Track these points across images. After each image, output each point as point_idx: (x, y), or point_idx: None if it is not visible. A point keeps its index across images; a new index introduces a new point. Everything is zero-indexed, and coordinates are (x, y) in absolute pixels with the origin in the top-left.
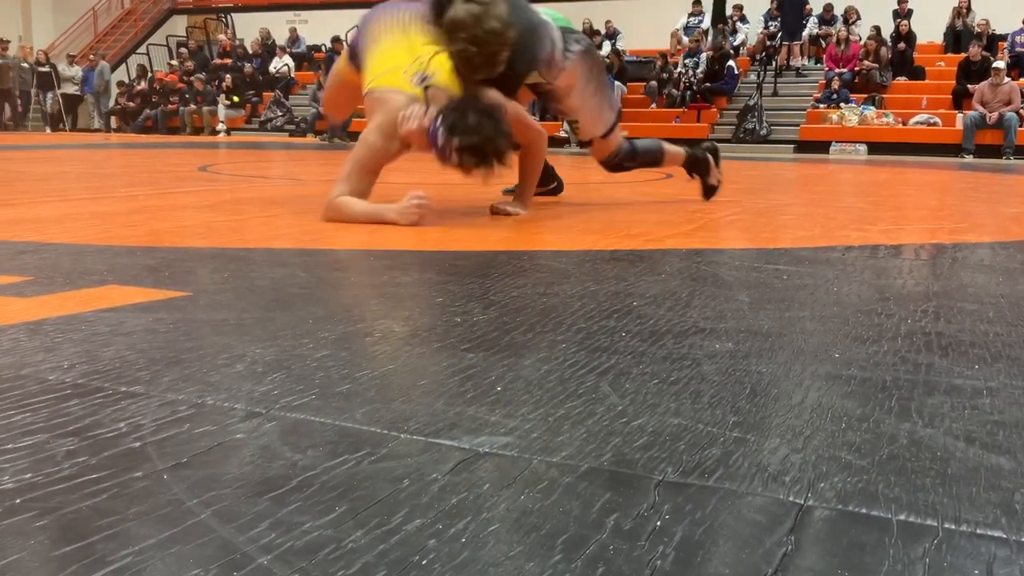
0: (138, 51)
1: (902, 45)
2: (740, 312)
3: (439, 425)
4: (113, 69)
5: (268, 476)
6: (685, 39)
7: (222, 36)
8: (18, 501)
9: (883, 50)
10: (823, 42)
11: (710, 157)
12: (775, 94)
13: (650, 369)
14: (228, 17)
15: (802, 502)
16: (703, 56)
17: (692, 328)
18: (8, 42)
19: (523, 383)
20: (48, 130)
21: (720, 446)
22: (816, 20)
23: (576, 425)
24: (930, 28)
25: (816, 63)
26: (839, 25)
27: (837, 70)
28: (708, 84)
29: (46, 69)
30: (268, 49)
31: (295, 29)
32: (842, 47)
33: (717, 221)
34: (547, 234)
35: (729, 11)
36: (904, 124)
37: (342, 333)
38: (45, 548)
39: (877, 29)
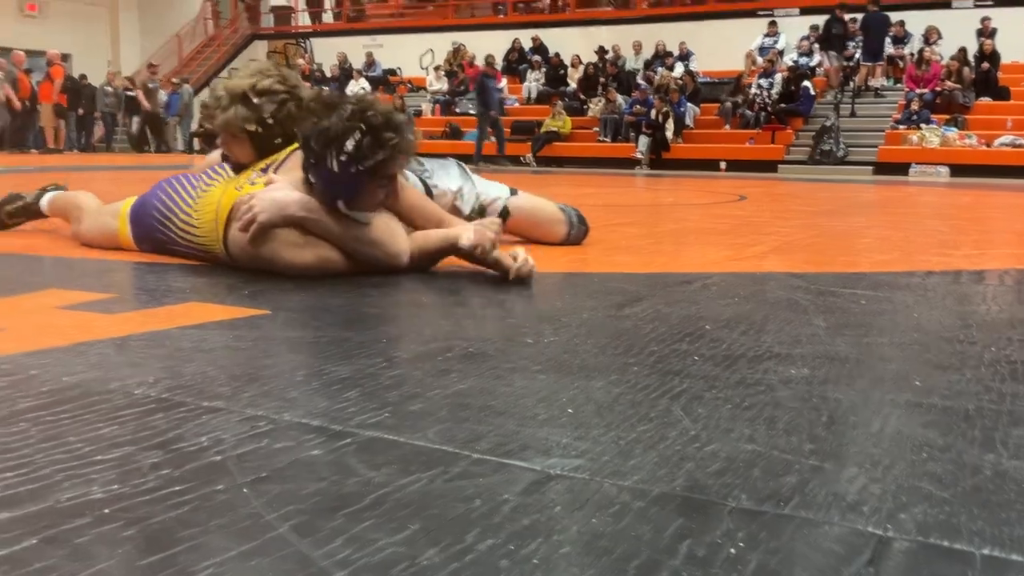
0: (220, 75)
1: (986, 65)
2: (816, 337)
3: (510, 446)
4: (196, 93)
5: (343, 492)
6: (760, 59)
7: (301, 60)
8: (107, 511)
9: (966, 70)
10: (900, 62)
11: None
12: (853, 115)
13: (723, 394)
14: (307, 42)
15: (881, 533)
16: (778, 76)
17: (766, 353)
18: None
19: (594, 405)
20: (134, 151)
21: (796, 474)
22: (889, 40)
23: (648, 449)
24: (1015, 47)
25: (895, 83)
26: (915, 44)
27: (918, 91)
28: (783, 105)
29: (132, 93)
30: (345, 73)
31: (371, 53)
32: (923, 67)
33: (792, 244)
34: (617, 256)
35: (806, 31)
36: (988, 146)
37: (414, 352)
38: (131, 557)
39: (963, 51)
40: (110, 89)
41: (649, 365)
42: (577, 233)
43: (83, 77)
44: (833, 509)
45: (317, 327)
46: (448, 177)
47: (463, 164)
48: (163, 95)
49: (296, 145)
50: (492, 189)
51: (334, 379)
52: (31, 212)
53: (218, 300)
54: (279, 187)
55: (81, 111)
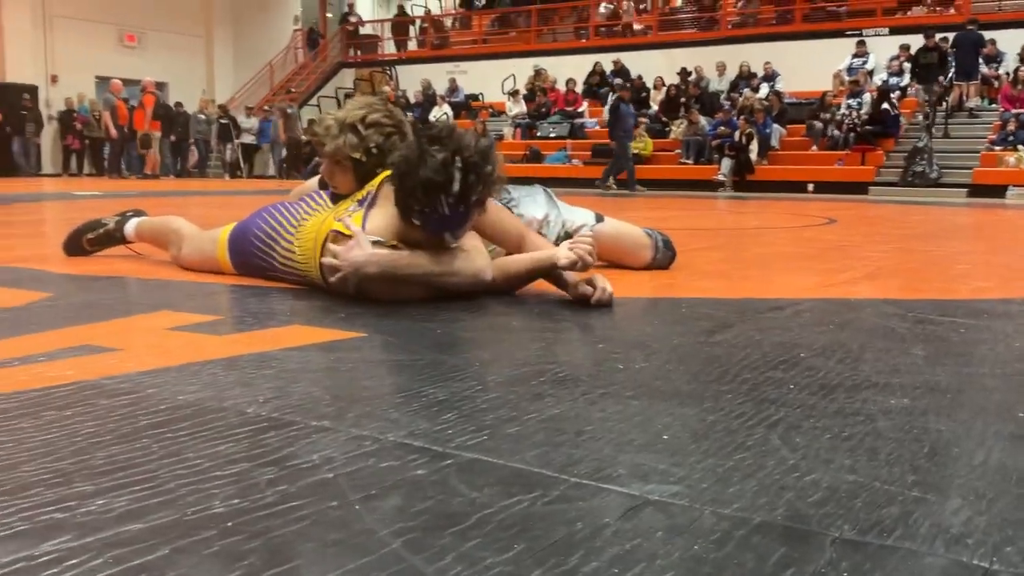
0: (310, 103)
1: None
2: (915, 366)
3: (608, 471)
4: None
5: (449, 511)
6: (846, 79)
7: (386, 87)
8: (229, 524)
9: None
10: (995, 82)
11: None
12: (946, 135)
13: (822, 423)
14: (393, 69)
15: (987, 566)
16: (866, 96)
17: (865, 382)
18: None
19: (689, 432)
20: (227, 177)
21: (899, 505)
22: (981, 59)
23: (746, 477)
24: None
25: (990, 104)
26: (1009, 63)
27: (1014, 111)
28: (869, 127)
29: (226, 121)
30: (429, 99)
31: (454, 79)
32: (1019, 87)
33: (885, 269)
34: (704, 281)
35: (895, 51)
36: None
37: (507, 376)
38: (255, 570)
39: None
40: (203, 117)
41: (743, 393)
42: (662, 258)
43: (178, 105)
44: (938, 541)
45: (413, 350)
46: (534, 205)
47: (549, 190)
48: (255, 122)
49: (385, 174)
50: (578, 216)
51: (432, 401)
52: (114, 239)
53: (317, 323)
54: (358, 245)
55: (174, 137)
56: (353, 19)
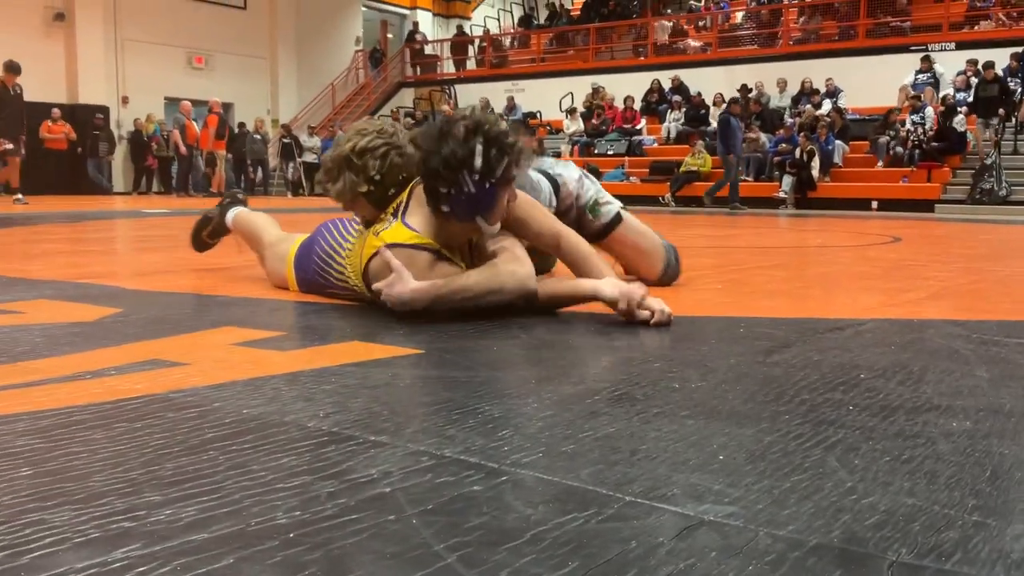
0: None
1: None
2: (979, 389)
3: (662, 490)
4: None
5: (504, 527)
6: (909, 92)
7: (445, 106)
8: (291, 535)
9: None
10: None
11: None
12: (1015, 152)
13: (881, 446)
14: (451, 88)
15: None
16: (930, 112)
17: (926, 404)
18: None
19: (745, 453)
20: (289, 195)
21: (958, 529)
22: None
23: (803, 499)
24: None
25: None
26: None
27: None
28: (935, 144)
29: (288, 140)
30: None
31: (512, 97)
32: None
33: (951, 289)
34: (763, 300)
35: (962, 66)
36: None
37: (562, 394)
38: None
39: None
40: (257, 136)
41: (801, 414)
42: (672, 272)
43: (241, 125)
44: (998, 566)
45: (469, 367)
46: (568, 169)
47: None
48: (317, 141)
49: (414, 183)
50: (606, 194)
51: (488, 418)
52: (222, 229)
53: (376, 339)
54: (400, 280)
55: (231, 156)
56: (419, 37)
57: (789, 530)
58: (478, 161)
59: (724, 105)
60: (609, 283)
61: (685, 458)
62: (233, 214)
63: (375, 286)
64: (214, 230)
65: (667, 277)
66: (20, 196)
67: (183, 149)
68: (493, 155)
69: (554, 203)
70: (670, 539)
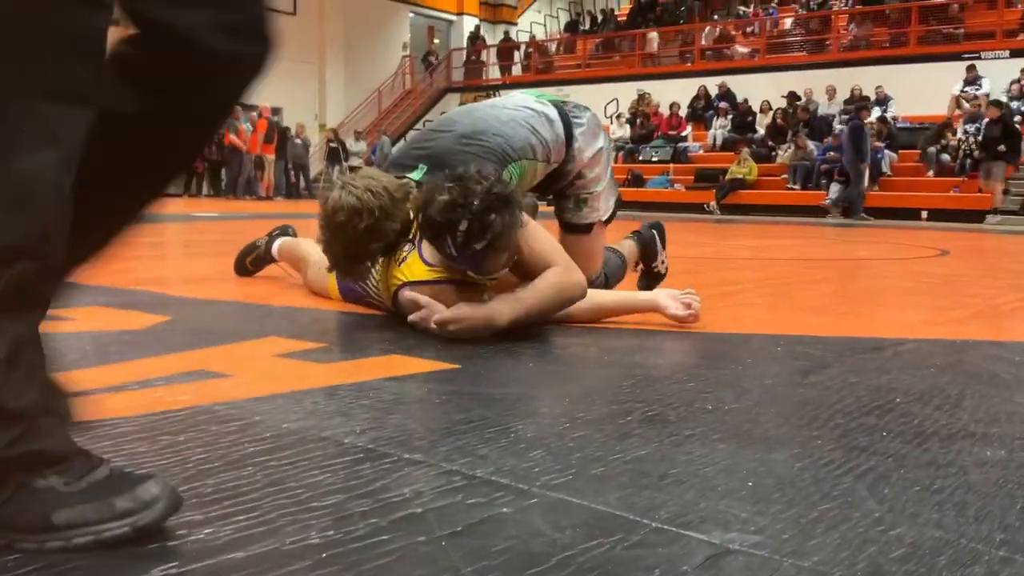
0: (416, 127)
1: None
2: (1016, 416)
3: (689, 517)
4: (393, 143)
5: (531, 552)
6: (965, 104)
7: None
8: (323, 555)
9: None
10: None
11: (656, 236)
12: None
13: (912, 475)
14: (496, 94)
15: None
16: (984, 122)
17: (961, 431)
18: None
19: (775, 480)
20: None
21: (984, 565)
22: None
23: (830, 529)
24: None
25: None
26: None
27: None
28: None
29: (335, 145)
30: None
31: None
32: None
33: (997, 308)
34: (804, 317)
35: (1016, 74)
36: None
37: (595, 414)
38: None
39: None
40: (299, 141)
41: (834, 439)
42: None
43: (285, 129)
44: None
45: (503, 383)
46: (591, 140)
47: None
48: (363, 145)
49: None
50: (605, 200)
51: (520, 437)
52: (267, 259)
53: (413, 353)
54: (433, 311)
55: (281, 160)
56: (479, 43)
57: (814, 561)
58: (458, 233)
59: (852, 111)
60: (664, 295)
61: (714, 484)
62: (279, 244)
63: (411, 319)
64: (258, 258)
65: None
66: None
67: (243, 148)
68: (475, 229)
69: (561, 152)
70: (694, 568)
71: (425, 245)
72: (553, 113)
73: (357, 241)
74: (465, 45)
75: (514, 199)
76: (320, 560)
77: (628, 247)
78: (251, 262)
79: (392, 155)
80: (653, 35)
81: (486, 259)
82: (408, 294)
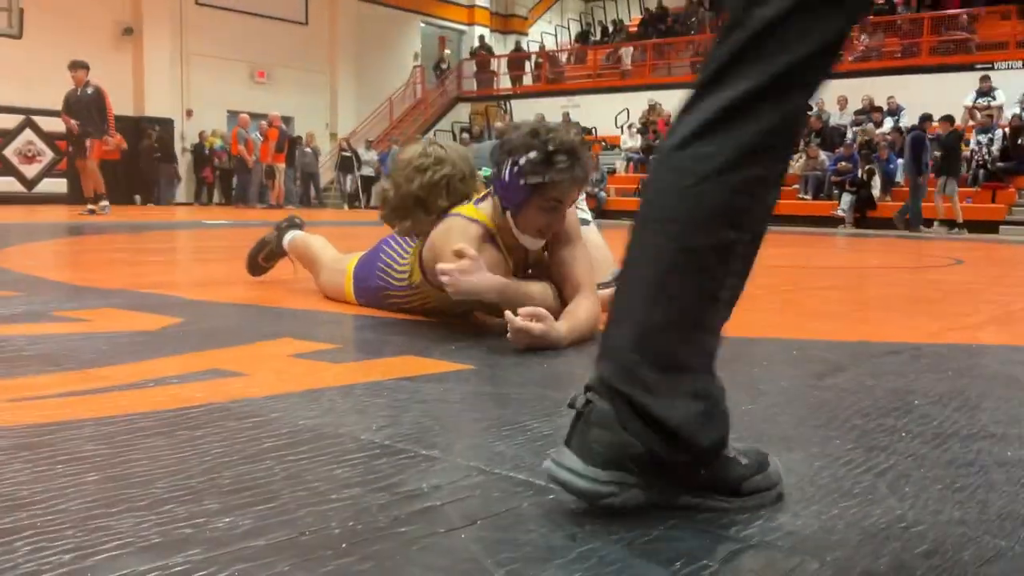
0: (427, 137)
1: None
2: None
3: (709, 513)
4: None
5: (551, 544)
6: (978, 114)
7: (499, 123)
8: (343, 545)
9: None
10: None
11: None
12: None
13: (933, 473)
14: (507, 104)
15: None
16: (998, 132)
17: (981, 432)
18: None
19: (795, 478)
20: (345, 207)
21: (1008, 560)
22: None
23: (851, 526)
24: None
25: None
26: None
27: None
28: (1001, 164)
29: (348, 154)
30: None
31: (567, 113)
32: None
33: (1013, 314)
34: (818, 322)
35: None
36: None
37: None
38: None
39: None
40: (308, 150)
41: (852, 439)
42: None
43: (296, 139)
44: None
45: (518, 383)
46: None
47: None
48: (375, 154)
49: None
50: (582, 202)
51: (537, 435)
52: (278, 251)
53: (429, 354)
54: (478, 270)
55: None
56: (483, 51)
57: (836, 556)
58: (522, 158)
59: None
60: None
61: None
62: (290, 237)
63: (443, 267)
64: (270, 253)
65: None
66: (106, 204)
67: (251, 162)
68: (537, 159)
69: None
70: (716, 562)
71: (484, 199)
72: None
73: (432, 186)
74: (484, 53)
75: (587, 161)
76: (340, 550)
77: None
78: (264, 258)
79: None
80: (626, 50)
81: (529, 204)
82: (458, 245)
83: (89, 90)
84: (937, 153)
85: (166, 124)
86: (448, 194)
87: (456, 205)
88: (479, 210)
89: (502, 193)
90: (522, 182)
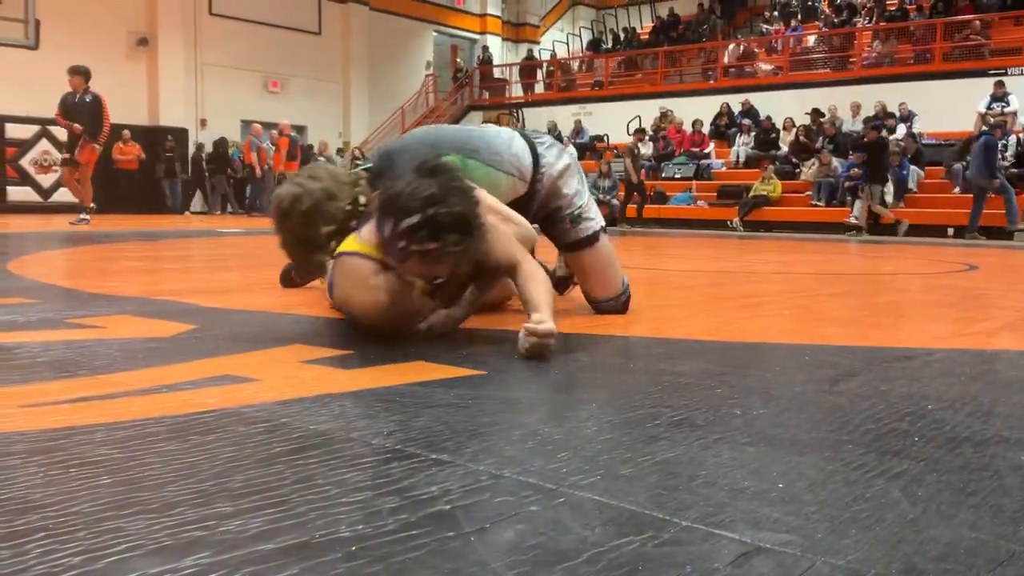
0: None
1: None
2: None
3: (720, 516)
4: None
5: (561, 548)
6: (992, 120)
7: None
8: (353, 549)
9: None
10: None
11: None
12: None
13: (946, 478)
14: (519, 111)
15: None
16: (1012, 139)
17: (995, 437)
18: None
19: (806, 482)
20: None
21: (1021, 565)
22: None
23: (864, 530)
24: None
25: None
26: None
27: None
28: (1014, 169)
29: (361, 162)
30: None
31: (579, 120)
32: None
33: None
34: (831, 328)
35: None
36: None
37: (623, 418)
38: None
39: None
40: (321, 159)
41: (865, 444)
42: (617, 305)
43: (310, 147)
44: None
45: (530, 388)
46: (558, 157)
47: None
48: None
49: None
50: (593, 208)
51: (547, 440)
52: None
53: (440, 360)
54: (442, 323)
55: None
56: (487, 58)
57: (848, 560)
58: (403, 223)
59: (983, 128)
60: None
61: (744, 485)
62: None
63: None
64: (302, 271)
65: (610, 305)
66: (85, 216)
67: (258, 171)
68: (422, 234)
69: (528, 167)
70: (726, 565)
71: (367, 223)
72: (516, 134)
73: (303, 225)
74: (488, 64)
75: (478, 233)
76: (350, 552)
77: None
78: (299, 273)
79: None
80: (598, 63)
81: (409, 263)
82: (341, 264)
83: (88, 97)
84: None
85: (180, 134)
86: (325, 221)
87: (341, 231)
88: (364, 242)
89: (383, 244)
90: (402, 245)
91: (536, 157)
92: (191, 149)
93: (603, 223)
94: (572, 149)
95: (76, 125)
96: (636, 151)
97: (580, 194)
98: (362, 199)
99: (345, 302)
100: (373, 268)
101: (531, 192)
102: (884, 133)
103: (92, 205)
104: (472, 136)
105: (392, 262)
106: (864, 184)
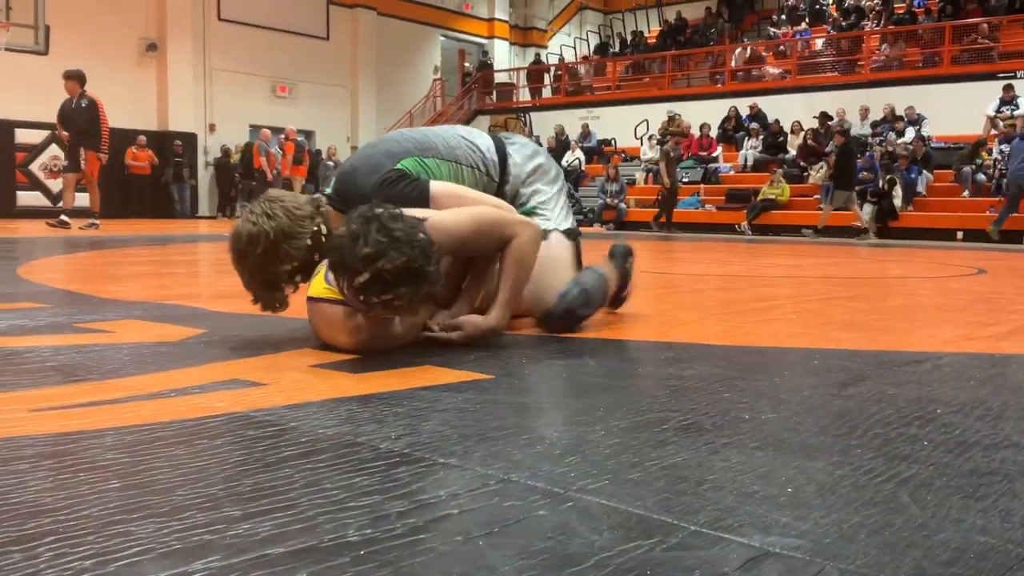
0: None
1: None
2: None
3: (728, 521)
4: None
5: (568, 552)
6: (1001, 124)
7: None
8: (361, 552)
9: None
10: None
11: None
12: None
13: (955, 482)
14: (527, 116)
15: None
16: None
17: (1004, 441)
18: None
19: (815, 486)
20: None
21: None
22: None
23: (872, 534)
24: None
25: None
26: None
27: None
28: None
29: None
30: (562, 144)
31: (587, 125)
32: None
33: None
34: (839, 332)
35: None
36: None
37: (631, 422)
38: None
39: None
40: (331, 163)
41: (874, 448)
42: (559, 319)
43: (319, 152)
44: None
45: (538, 393)
46: (521, 150)
47: (565, 180)
48: None
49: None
50: (555, 211)
51: (555, 444)
52: None
53: (448, 364)
54: (464, 327)
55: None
56: (489, 62)
57: (857, 564)
58: (355, 282)
59: (1019, 130)
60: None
61: (753, 490)
62: None
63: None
64: None
65: (549, 319)
66: (65, 221)
67: (269, 175)
68: (374, 286)
69: (492, 174)
70: (734, 570)
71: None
72: (483, 134)
73: (262, 268)
74: (497, 68)
75: (429, 275)
76: (358, 556)
77: (611, 270)
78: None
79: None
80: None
81: (374, 309)
82: (318, 310)
83: (83, 102)
84: None
85: (189, 139)
86: (282, 261)
87: (305, 266)
88: (329, 286)
89: (345, 297)
90: (361, 299)
91: (504, 157)
92: (200, 155)
93: (561, 227)
94: (579, 153)
95: (64, 132)
96: (671, 154)
97: (542, 192)
98: (324, 228)
99: (331, 342)
100: (345, 312)
101: (500, 193)
102: (979, 133)
103: (96, 211)
104: (427, 135)
105: (360, 309)
106: (831, 188)
